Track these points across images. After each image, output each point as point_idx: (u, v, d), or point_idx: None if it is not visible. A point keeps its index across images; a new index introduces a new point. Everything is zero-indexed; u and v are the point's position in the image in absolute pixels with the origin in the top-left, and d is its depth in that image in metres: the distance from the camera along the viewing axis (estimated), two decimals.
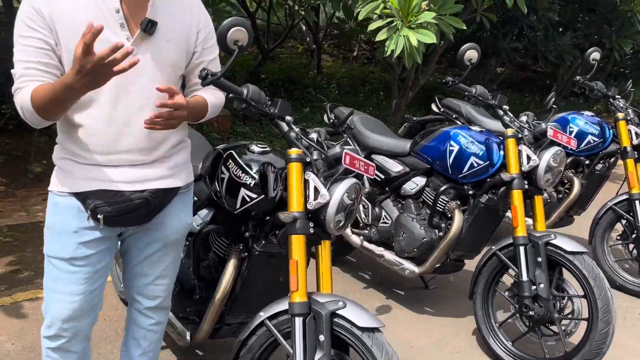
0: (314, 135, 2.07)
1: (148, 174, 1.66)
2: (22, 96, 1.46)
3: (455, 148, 2.74)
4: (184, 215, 1.81)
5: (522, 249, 2.52)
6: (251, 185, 1.98)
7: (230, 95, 1.79)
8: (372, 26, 4.99)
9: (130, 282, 1.88)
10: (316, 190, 1.82)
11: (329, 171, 1.91)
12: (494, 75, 9.07)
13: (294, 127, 1.89)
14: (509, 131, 2.62)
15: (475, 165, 2.71)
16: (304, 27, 9.12)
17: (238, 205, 2.03)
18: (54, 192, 1.65)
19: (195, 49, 1.71)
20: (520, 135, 2.62)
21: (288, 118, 1.89)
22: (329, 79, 8.79)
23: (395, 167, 3.03)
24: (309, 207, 1.82)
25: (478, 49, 2.50)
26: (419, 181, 2.97)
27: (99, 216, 1.59)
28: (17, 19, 1.49)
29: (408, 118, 4.08)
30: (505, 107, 2.70)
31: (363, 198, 3.15)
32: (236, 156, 2.05)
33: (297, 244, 1.80)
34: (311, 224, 1.83)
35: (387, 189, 3.08)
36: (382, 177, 3.08)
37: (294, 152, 1.86)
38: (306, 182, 1.85)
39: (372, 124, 3.30)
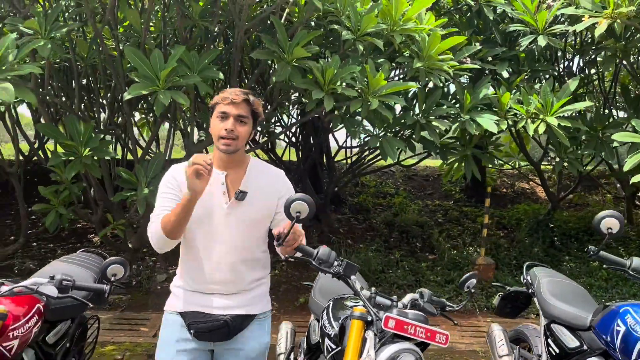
0: (408, 297, 2.12)
1: (231, 303, 2.17)
2: (155, 224, 2.09)
3: (622, 329, 2.23)
4: (261, 337, 2.24)
5: None
6: (331, 335, 2.13)
7: (301, 255, 2.07)
8: (636, 178, 4.43)
9: None
10: None
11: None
12: None
13: (356, 286, 2.01)
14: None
15: None
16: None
17: (325, 354, 2.19)
18: (166, 311, 2.23)
19: (276, 209, 2.19)
20: None
21: (353, 277, 2.03)
22: None
23: (571, 342, 2.59)
24: None
25: (620, 217, 2.10)
26: None
27: (191, 330, 2.14)
28: (161, 183, 2.20)
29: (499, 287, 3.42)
30: None
31: None
32: (330, 309, 2.24)
33: None
34: None
35: None
36: (557, 351, 2.65)
37: (358, 310, 1.97)
38: (365, 340, 1.92)
39: (562, 288, 2.91)
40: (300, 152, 7.46)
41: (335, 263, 2.09)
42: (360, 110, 4.14)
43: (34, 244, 6.78)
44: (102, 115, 5.61)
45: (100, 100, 5.24)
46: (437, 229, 7.56)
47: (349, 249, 6.69)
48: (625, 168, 4.57)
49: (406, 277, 6.09)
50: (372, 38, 4.18)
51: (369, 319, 1.98)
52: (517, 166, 8.94)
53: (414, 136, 4.99)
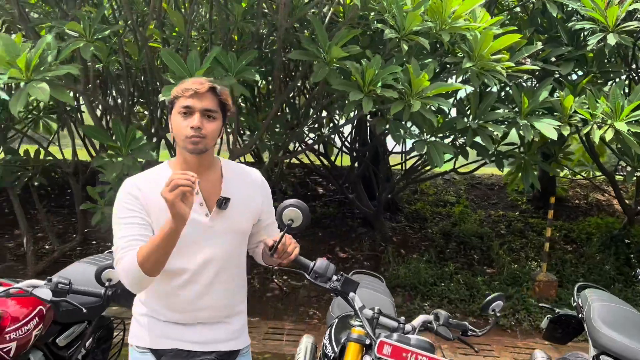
0: (420, 318, 1.90)
1: (216, 336, 1.87)
2: (127, 260, 1.68)
3: None
4: None
5: None
6: (331, 357, 1.94)
7: (297, 267, 1.88)
8: None
9: None
10: None
11: None
12: None
13: (355, 305, 1.80)
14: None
15: None
16: None
17: None
18: (133, 347, 1.88)
19: (260, 216, 1.95)
20: None
21: (352, 294, 1.82)
22: None
23: None
24: None
25: None
26: None
27: None
28: (115, 205, 1.79)
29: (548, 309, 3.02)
30: None
31: None
32: (334, 327, 2.05)
33: None
34: None
35: None
36: None
37: (356, 331, 1.78)
38: None
39: (616, 314, 2.54)
40: (354, 158, 7.27)
41: (334, 278, 1.89)
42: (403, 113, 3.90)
43: (93, 242, 7.00)
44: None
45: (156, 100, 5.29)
46: (498, 241, 7.13)
47: (400, 259, 6.42)
48: None
49: (459, 291, 5.75)
50: (417, 37, 3.94)
51: (368, 342, 1.77)
52: (590, 176, 8.32)
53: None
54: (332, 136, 6.65)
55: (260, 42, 4.83)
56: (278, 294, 5.67)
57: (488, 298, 2.03)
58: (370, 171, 7.28)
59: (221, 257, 1.84)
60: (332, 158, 7.34)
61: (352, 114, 4.65)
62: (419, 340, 1.77)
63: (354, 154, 7.26)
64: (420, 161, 6.56)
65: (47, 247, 6.72)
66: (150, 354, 1.84)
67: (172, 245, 1.65)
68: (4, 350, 2.08)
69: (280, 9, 3.72)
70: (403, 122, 4.44)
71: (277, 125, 5.01)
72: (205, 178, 1.83)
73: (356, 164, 7.37)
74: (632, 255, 6.80)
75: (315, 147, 7.34)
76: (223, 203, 1.82)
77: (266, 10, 4.35)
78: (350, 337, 1.80)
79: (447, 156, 6.04)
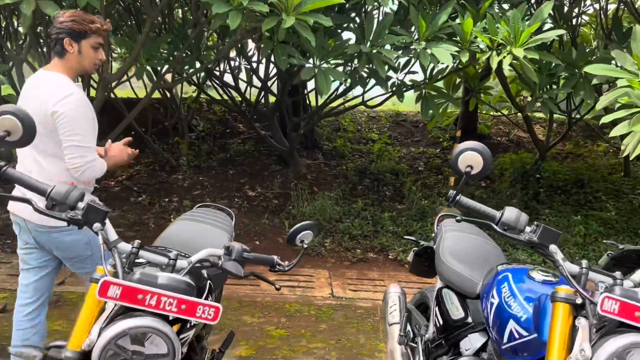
0: (203, 252, 1.61)
1: None
2: (103, 164, 2.38)
3: (496, 301, 1.70)
4: None
5: None
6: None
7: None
8: (607, 118, 3.79)
9: None
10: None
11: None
12: None
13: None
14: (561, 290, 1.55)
15: (516, 335, 1.63)
16: None
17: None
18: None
19: None
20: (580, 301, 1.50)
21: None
22: None
23: (455, 312, 2.07)
24: None
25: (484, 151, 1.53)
26: (475, 341, 1.94)
27: None
28: (87, 113, 2.32)
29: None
30: None
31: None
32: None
33: None
34: None
35: (443, 342, 2.12)
36: (441, 322, 2.14)
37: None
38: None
39: (466, 245, 2.32)
40: (266, 91, 6.88)
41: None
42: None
43: None
44: None
45: None
46: (413, 177, 7.00)
47: (312, 196, 6.19)
48: (598, 107, 3.93)
49: (363, 227, 5.60)
50: None
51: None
52: (512, 112, 8.23)
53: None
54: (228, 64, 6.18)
55: None
56: None
57: (295, 227, 1.76)
58: (283, 106, 6.91)
59: None
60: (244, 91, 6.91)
61: (232, 36, 4.23)
62: None
63: (266, 87, 6.86)
64: (333, 94, 6.24)
65: None
66: None
67: None
68: None
69: None
70: (291, 46, 4.08)
71: (161, 50, 4.55)
72: None
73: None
74: (541, 190, 6.81)
75: (227, 80, 6.89)
76: None
77: None
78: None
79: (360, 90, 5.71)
